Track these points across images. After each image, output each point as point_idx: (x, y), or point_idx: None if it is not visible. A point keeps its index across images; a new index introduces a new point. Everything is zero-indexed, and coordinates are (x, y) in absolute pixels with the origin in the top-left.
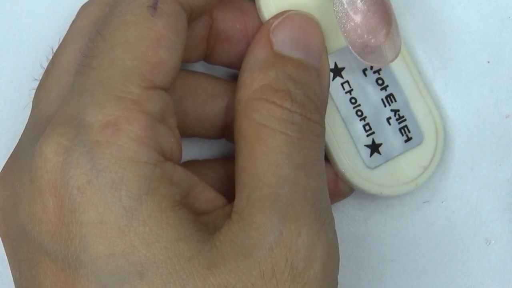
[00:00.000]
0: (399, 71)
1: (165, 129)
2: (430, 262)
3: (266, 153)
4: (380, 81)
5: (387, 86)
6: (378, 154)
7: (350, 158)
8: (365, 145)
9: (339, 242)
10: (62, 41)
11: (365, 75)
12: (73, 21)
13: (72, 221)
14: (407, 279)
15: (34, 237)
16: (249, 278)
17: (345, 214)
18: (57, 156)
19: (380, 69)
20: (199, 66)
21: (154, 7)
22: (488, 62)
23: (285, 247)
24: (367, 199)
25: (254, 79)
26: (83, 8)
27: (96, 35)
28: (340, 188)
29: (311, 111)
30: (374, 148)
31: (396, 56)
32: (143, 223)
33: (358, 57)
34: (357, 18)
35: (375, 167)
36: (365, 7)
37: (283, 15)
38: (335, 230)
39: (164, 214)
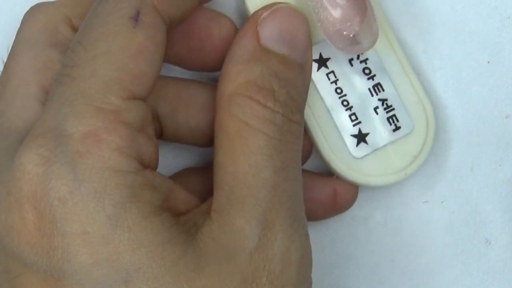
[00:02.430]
0: (387, 60)
1: (144, 138)
2: (430, 262)
3: (247, 153)
4: (367, 71)
5: (374, 75)
6: (365, 144)
7: (336, 148)
8: (351, 135)
9: (339, 242)
10: (11, 51)
11: (352, 65)
12: (19, 29)
13: (54, 232)
14: (407, 279)
15: (13, 249)
16: (232, 282)
17: (345, 214)
18: (36, 167)
19: (367, 58)
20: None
21: (135, 19)
22: (488, 62)
23: (263, 253)
24: (367, 199)
25: (239, 72)
26: (28, 15)
27: (76, 44)
28: (338, 203)
29: (293, 111)
30: (361, 137)
31: (373, 44)
32: (127, 229)
33: (334, 47)
34: (331, 7)
35: (362, 157)
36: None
37: (272, 7)
38: (307, 232)
39: (148, 219)
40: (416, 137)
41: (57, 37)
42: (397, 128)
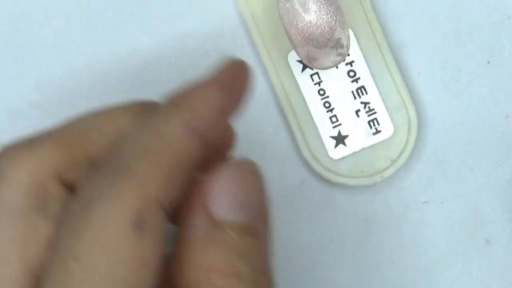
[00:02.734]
0: (373, 63)
1: None
2: (430, 262)
3: None
4: (352, 73)
5: (358, 78)
6: (344, 146)
7: (315, 148)
8: (330, 136)
9: (340, 242)
10: None
11: (337, 67)
12: None
13: None
14: (407, 279)
15: None
16: None
17: (345, 214)
18: None
19: (353, 61)
20: None
21: (138, 223)
22: (488, 62)
23: None
24: (367, 200)
25: (195, 257)
26: (4, 168)
27: (68, 256)
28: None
29: (263, 283)
30: (340, 139)
31: (342, 60)
32: None
33: (305, 62)
34: (300, 25)
35: (340, 158)
36: (308, 17)
37: (217, 172)
38: None
39: None
40: (396, 142)
41: (44, 198)
42: (377, 132)
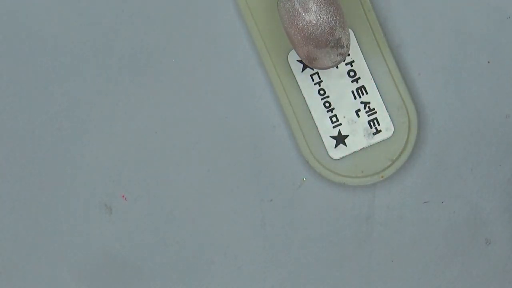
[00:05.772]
0: (373, 63)
1: None
2: (430, 262)
3: None
4: (352, 73)
5: (359, 78)
6: (344, 146)
7: (315, 148)
8: (330, 136)
9: (339, 242)
10: None
11: (337, 67)
12: None
13: None
14: (407, 279)
15: None
16: None
17: (345, 214)
18: None
19: (353, 61)
20: None
21: None
22: (488, 62)
23: None
24: (367, 200)
25: None
26: None
27: None
28: None
29: None
30: (340, 139)
31: (342, 60)
32: None
33: (305, 62)
34: (300, 25)
35: (340, 158)
36: (308, 17)
37: None
38: None
39: None
40: (396, 142)
41: None
42: (377, 132)
